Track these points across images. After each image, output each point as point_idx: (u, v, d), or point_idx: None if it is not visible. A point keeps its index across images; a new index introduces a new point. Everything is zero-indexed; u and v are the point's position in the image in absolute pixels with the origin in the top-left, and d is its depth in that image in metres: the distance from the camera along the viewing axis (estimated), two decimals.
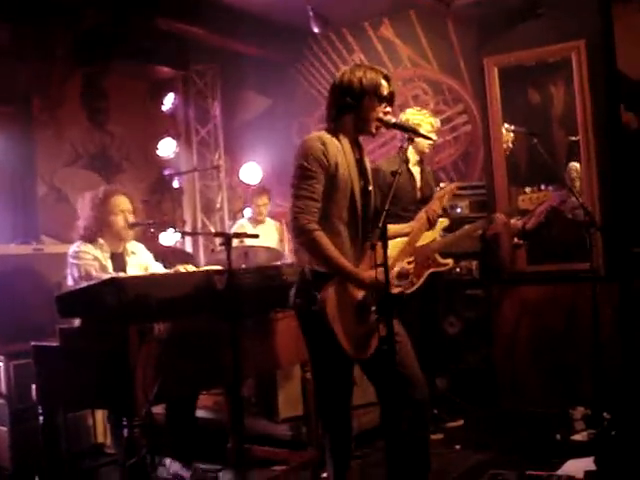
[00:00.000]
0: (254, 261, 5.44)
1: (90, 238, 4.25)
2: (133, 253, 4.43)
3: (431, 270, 4.87)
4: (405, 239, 3.70)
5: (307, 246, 3.14)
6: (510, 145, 5.79)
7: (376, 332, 3.02)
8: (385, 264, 2.91)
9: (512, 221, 5.59)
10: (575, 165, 5.64)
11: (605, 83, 5.52)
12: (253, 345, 3.93)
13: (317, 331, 3.18)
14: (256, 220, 6.79)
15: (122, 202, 4.32)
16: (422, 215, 3.83)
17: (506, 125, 5.30)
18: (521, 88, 5.84)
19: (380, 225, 2.92)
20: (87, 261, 4.16)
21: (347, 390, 3.36)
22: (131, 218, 4.32)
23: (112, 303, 3.31)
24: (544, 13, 5.68)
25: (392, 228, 3.49)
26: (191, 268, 4.14)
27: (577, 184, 5.53)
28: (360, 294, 3.20)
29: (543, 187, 5.63)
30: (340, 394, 3.34)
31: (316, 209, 3.13)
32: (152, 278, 3.85)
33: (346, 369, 3.31)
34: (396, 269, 3.49)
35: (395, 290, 3.41)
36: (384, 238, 2.94)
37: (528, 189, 5.70)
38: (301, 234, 3.12)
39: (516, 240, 5.83)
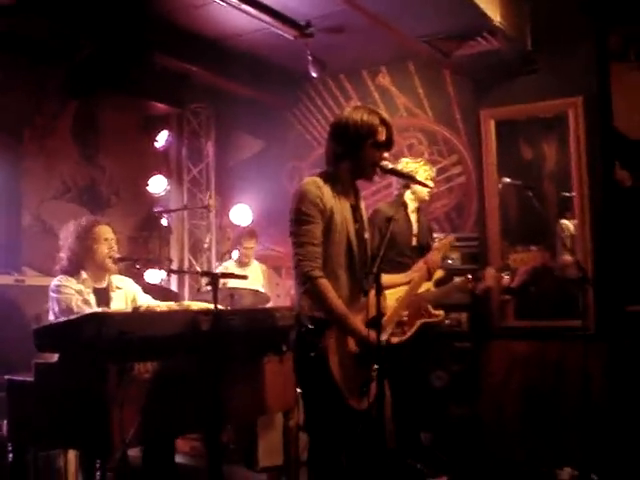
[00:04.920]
0: (240, 303, 5.35)
1: (73, 271, 4.17)
2: (119, 288, 4.35)
3: (423, 320, 4.79)
4: (404, 287, 3.63)
5: (311, 293, 3.09)
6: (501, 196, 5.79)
7: (374, 382, 2.95)
8: (378, 314, 2.85)
9: (502, 275, 5.53)
10: (566, 222, 5.60)
11: (601, 140, 5.53)
12: (237, 389, 3.82)
13: (315, 379, 3.10)
14: (242, 262, 6.69)
15: (106, 231, 4.29)
16: (422, 266, 3.78)
17: (503, 178, 5.29)
18: (515, 142, 5.85)
19: (374, 270, 2.87)
20: (68, 295, 4.07)
21: (342, 441, 3.21)
22: (115, 247, 4.28)
23: (92, 339, 3.20)
24: (540, 69, 5.72)
25: (392, 278, 3.45)
26: (197, 305, 3.99)
27: (568, 241, 5.48)
28: None
29: (532, 247, 5.62)
30: (336, 445, 3.20)
31: (318, 254, 3.10)
32: (135, 315, 3.73)
33: (343, 418, 3.16)
34: (394, 321, 3.44)
35: (394, 340, 3.36)
36: (378, 284, 2.88)
37: (519, 248, 5.68)
38: (306, 281, 3.08)
39: (504, 296, 5.78)
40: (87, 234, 4.21)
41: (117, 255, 4.25)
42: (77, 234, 4.21)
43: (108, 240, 4.26)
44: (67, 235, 4.27)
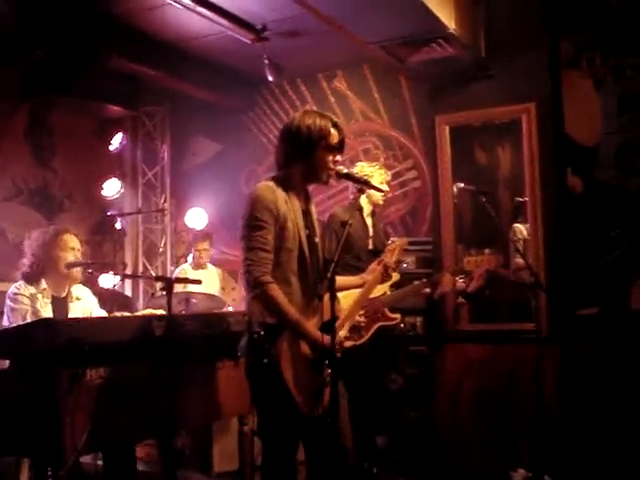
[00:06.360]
0: (195, 308, 5.31)
1: (33, 277, 4.12)
2: (78, 299, 4.29)
3: (380, 324, 4.81)
4: (358, 291, 3.64)
5: (261, 299, 3.06)
6: (455, 201, 5.85)
7: (328, 388, 2.94)
8: (332, 318, 2.85)
9: (457, 279, 5.58)
10: (519, 226, 5.67)
11: (553, 146, 5.60)
12: (191, 395, 3.79)
13: (268, 385, 3.07)
14: (198, 264, 6.68)
15: (72, 240, 4.25)
16: (376, 267, 3.76)
17: (457, 183, 5.33)
18: (470, 147, 5.90)
19: (329, 275, 2.86)
20: (24, 306, 4.03)
21: (295, 446, 3.22)
22: (80, 258, 4.25)
23: (43, 344, 3.15)
24: (494, 75, 5.77)
25: (344, 280, 3.44)
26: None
27: (520, 246, 5.54)
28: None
29: (486, 251, 5.67)
30: (289, 451, 3.19)
31: (269, 260, 3.07)
32: (88, 321, 3.70)
33: (295, 425, 3.14)
34: (349, 324, 3.43)
35: (347, 344, 3.35)
36: (332, 289, 2.88)
37: (473, 252, 5.73)
38: (255, 287, 3.05)
39: (459, 300, 5.82)
40: (53, 242, 4.16)
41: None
42: (43, 241, 4.16)
43: (74, 250, 4.21)
44: (32, 241, 4.21)
